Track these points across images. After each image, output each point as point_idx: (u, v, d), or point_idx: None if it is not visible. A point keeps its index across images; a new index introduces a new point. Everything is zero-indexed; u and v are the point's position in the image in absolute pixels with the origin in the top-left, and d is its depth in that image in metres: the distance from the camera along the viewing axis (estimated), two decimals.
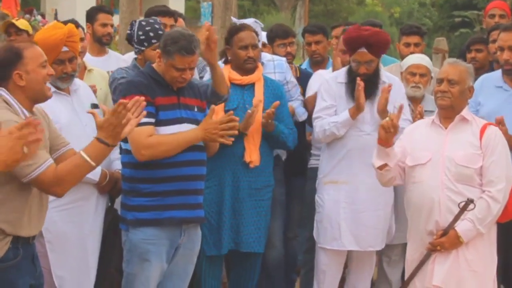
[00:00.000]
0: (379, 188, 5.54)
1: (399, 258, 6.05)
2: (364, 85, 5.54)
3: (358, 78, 5.53)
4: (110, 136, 3.79)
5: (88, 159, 3.77)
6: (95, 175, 4.84)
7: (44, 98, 3.96)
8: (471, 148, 4.77)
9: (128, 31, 5.47)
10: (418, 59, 6.05)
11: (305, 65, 7.07)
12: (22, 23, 7.19)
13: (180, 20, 6.61)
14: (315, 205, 5.84)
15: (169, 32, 4.84)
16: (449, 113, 4.86)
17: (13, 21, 7.27)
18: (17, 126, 3.29)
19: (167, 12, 6.31)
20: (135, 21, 5.46)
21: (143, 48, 5.35)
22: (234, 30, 5.62)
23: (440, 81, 4.86)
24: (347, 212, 5.68)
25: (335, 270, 5.83)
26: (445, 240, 4.74)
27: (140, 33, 5.35)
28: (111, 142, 3.81)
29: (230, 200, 5.53)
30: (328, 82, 5.81)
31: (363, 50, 5.62)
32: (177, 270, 4.77)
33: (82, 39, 6.21)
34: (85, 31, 6.45)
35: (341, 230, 5.68)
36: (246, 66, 5.60)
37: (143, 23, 5.40)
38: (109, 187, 4.98)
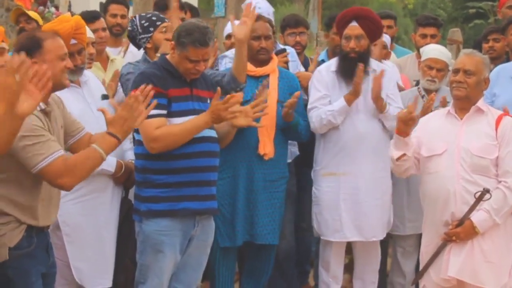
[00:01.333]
0: (378, 177, 5.60)
1: (413, 249, 6.03)
2: (348, 69, 5.55)
3: (361, 64, 5.50)
4: (120, 131, 3.81)
5: (101, 151, 3.77)
6: (110, 166, 4.85)
7: (61, 87, 3.98)
8: (487, 139, 4.76)
9: (129, 28, 5.48)
10: (438, 53, 5.98)
11: (322, 56, 7.04)
12: (32, 13, 7.23)
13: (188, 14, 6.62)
14: (312, 197, 5.83)
15: (184, 23, 4.83)
16: (464, 104, 4.84)
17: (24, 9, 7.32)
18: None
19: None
20: (135, 17, 5.48)
21: (150, 35, 5.35)
22: None
23: (456, 71, 4.83)
24: (347, 204, 5.68)
25: (338, 260, 5.85)
26: (461, 231, 4.73)
27: (143, 21, 5.38)
28: (122, 137, 3.82)
29: (244, 192, 5.52)
30: (321, 72, 5.81)
31: (354, 24, 5.62)
32: (191, 261, 4.77)
33: (104, 29, 6.23)
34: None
35: (342, 222, 5.68)
36: (259, 57, 5.58)
37: (143, 14, 5.48)
38: (124, 178, 4.99)
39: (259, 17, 5.56)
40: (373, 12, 5.86)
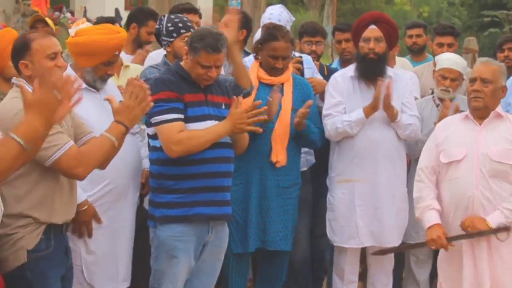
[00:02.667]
0: (393, 183, 5.61)
1: (427, 257, 6.02)
2: (367, 70, 5.61)
3: (380, 78, 5.52)
4: (128, 119, 3.88)
5: (111, 137, 3.84)
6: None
7: None
8: (506, 144, 4.75)
9: (157, 26, 5.48)
10: (452, 63, 5.97)
11: (335, 64, 7.05)
12: (48, 20, 7.30)
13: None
14: (327, 204, 5.84)
15: (197, 29, 4.86)
16: (482, 113, 4.84)
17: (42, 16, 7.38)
18: (36, 81, 3.19)
19: (191, 9, 6.35)
20: (164, 16, 5.48)
21: (171, 40, 5.35)
22: (270, 37, 5.54)
23: (473, 80, 4.82)
24: (363, 210, 5.69)
25: (353, 266, 5.85)
26: (474, 219, 4.72)
27: (169, 24, 5.36)
28: (129, 125, 3.90)
29: (257, 198, 5.52)
30: (336, 78, 5.82)
31: (373, 26, 5.65)
32: (205, 267, 4.78)
33: None
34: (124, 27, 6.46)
35: (358, 228, 5.70)
36: (272, 73, 5.59)
37: (172, 16, 5.45)
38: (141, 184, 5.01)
39: (282, 37, 5.51)
40: (390, 18, 5.91)
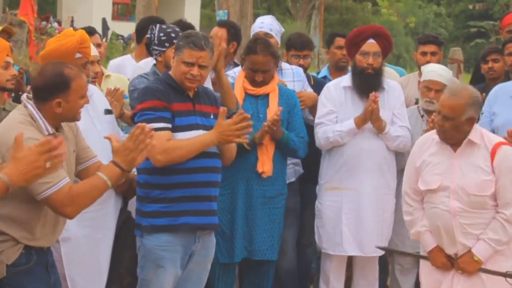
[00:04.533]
0: (380, 193, 5.64)
1: (412, 266, 6.04)
2: (364, 85, 5.64)
3: (373, 93, 5.56)
4: (125, 161, 3.78)
5: (106, 178, 3.74)
6: None
7: (73, 121, 4.00)
8: (483, 174, 4.65)
9: (148, 35, 5.48)
10: (436, 75, 5.93)
11: (324, 72, 7.05)
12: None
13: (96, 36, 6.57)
14: (315, 210, 5.87)
15: (184, 32, 4.89)
16: (451, 141, 4.75)
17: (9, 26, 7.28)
18: (37, 144, 3.27)
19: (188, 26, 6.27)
20: (155, 26, 5.47)
21: (163, 49, 5.36)
22: (249, 50, 5.57)
23: (438, 112, 4.73)
24: (349, 218, 5.73)
25: (338, 274, 5.88)
26: (460, 261, 4.70)
27: (162, 34, 5.37)
28: (126, 167, 3.79)
29: (243, 208, 5.53)
30: (329, 88, 5.87)
31: (372, 41, 5.70)
32: (191, 277, 4.78)
33: (99, 45, 6.23)
34: (102, 38, 6.47)
35: (343, 236, 5.73)
36: (254, 85, 5.61)
37: (164, 26, 5.44)
38: (125, 187, 5.01)
39: (261, 50, 5.52)
40: (387, 31, 5.99)
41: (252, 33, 6.16)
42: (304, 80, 6.16)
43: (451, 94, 4.69)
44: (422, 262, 4.99)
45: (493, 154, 4.66)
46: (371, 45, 5.73)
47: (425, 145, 4.87)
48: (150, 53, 5.57)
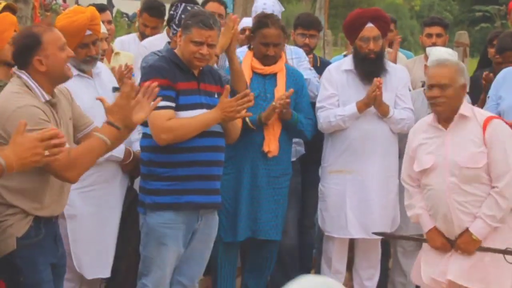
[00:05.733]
0: (384, 176, 5.66)
1: (414, 248, 6.05)
2: (368, 70, 5.62)
3: (377, 79, 5.54)
4: (118, 119, 3.78)
5: (105, 138, 3.75)
6: (119, 152, 4.89)
7: (65, 79, 3.96)
8: (474, 147, 4.66)
9: (171, 12, 5.44)
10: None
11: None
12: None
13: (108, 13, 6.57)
14: (319, 194, 5.88)
15: (190, 11, 4.86)
16: (448, 116, 4.75)
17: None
18: (39, 132, 3.29)
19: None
20: (180, 4, 5.42)
21: None
22: (261, 24, 5.58)
23: (430, 86, 4.72)
24: (353, 201, 5.73)
25: (340, 256, 5.90)
26: (460, 242, 4.71)
27: (184, 16, 5.32)
28: (121, 125, 3.78)
29: (248, 188, 5.54)
30: (330, 71, 5.86)
31: (370, 25, 5.68)
32: (194, 255, 4.80)
33: (110, 22, 6.22)
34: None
35: (347, 219, 5.73)
36: (265, 62, 5.60)
37: (189, 7, 5.36)
38: (131, 166, 5.02)
39: (273, 23, 5.54)
40: (384, 11, 5.97)
41: (253, 14, 6.13)
42: (301, 58, 6.14)
43: (440, 64, 4.74)
44: (423, 245, 4.99)
45: (484, 127, 4.67)
46: (370, 29, 5.69)
47: (419, 129, 4.90)
48: (169, 28, 5.53)
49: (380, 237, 5.83)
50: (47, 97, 3.83)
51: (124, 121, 3.78)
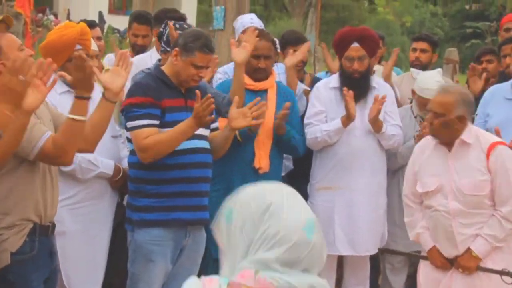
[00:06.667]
0: (373, 192, 5.65)
1: (402, 265, 6.07)
2: (352, 89, 5.61)
3: (345, 89, 5.58)
4: (80, 89, 3.83)
5: (76, 116, 3.75)
6: (109, 169, 4.88)
7: None
8: (478, 175, 4.68)
9: (161, 29, 5.45)
10: (433, 93, 5.75)
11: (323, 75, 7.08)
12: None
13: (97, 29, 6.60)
14: None
15: (188, 30, 4.87)
16: (442, 140, 4.77)
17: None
18: (3, 68, 3.28)
19: (177, 18, 6.28)
20: (168, 22, 5.42)
21: (168, 49, 5.33)
22: None
23: (428, 110, 4.78)
24: (342, 218, 5.73)
25: (329, 273, 5.87)
26: (460, 259, 4.73)
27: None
28: (86, 94, 3.84)
29: None
30: (318, 88, 5.88)
31: (356, 45, 5.68)
32: (182, 271, 4.78)
33: (99, 39, 6.21)
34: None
35: (336, 235, 5.73)
36: (256, 76, 5.60)
37: (177, 25, 5.36)
38: (121, 182, 5.02)
39: (263, 36, 5.56)
40: (372, 31, 5.98)
41: (241, 29, 6.16)
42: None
43: (442, 92, 4.75)
44: (422, 262, 5.02)
45: (488, 154, 4.67)
46: (355, 49, 5.70)
47: (424, 149, 4.90)
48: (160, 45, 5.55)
49: (370, 254, 5.83)
50: None
51: (86, 88, 3.84)
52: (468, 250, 4.70)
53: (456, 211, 4.69)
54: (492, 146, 4.69)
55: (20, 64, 3.31)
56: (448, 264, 4.79)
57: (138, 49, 6.77)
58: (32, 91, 3.45)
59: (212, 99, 4.54)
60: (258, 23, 6.22)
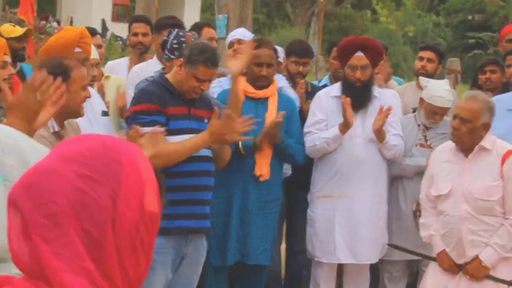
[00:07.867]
0: (374, 201, 5.67)
1: (401, 274, 6.07)
2: (354, 97, 5.61)
3: (343, 96, 5.57)
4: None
5: None
6: None
7: (77, 116, 3.99)
8: (491, 180, 4.72)
9: (165, 37, 5.45)
10: (444, 101, 5.88)
11: (325, 80, 7.06)
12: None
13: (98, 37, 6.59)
14: (307, 219, 5.87)
15: (195, 42, 4.86)
16: (464, 146, 4.82)
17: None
18: (23, 85, 3.25)
19: (176, 25, 6.29)
20: (174, 30, 5.43)
21: (172, 57, 5.33)
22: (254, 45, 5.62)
23: (454, 117, 4.82)
24: (342, 226, 5.73)
25: (329, 281, 5.89)
26: (469, 267, 4.76)
27: (175, 41, 5.31)
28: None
29: (239, 212, 5.53)
30: (319, 96, 5.89)
31: (360, 54, 5.68)
32: (182, 280, 4.78)
33: (100, 46, 6.22)
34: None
35: (336, 244, 5.73)
36: (258, 84, 5.62)
37: (181, 33, 5.36)
38: None
39: (266, 44, 5.60)
40: (376, 41, 6.00)
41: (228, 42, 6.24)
42: (281, 81, 6.16)
43: (470, 98, 4.80)
44: (430, 265, 5.07)
45: (503, 160, 4.73)
46: (358, 58, 5.70)
47: (441, 154, 4.97)
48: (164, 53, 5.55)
49: (370, 262, 5.82)
50: (57, 128, 3.84)
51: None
52: (477, 259, 4.73)
53: (466, 215, 4.72)
54: (508, 153, 4.75)
55: (39, 81, 3.26)
56: (456, 268, 4.82)
57: (140, 48, 6.75)
58: (43, 111, 3.38)
59: (235, 118, 4.60)
60: (241, 35, 6.25)
